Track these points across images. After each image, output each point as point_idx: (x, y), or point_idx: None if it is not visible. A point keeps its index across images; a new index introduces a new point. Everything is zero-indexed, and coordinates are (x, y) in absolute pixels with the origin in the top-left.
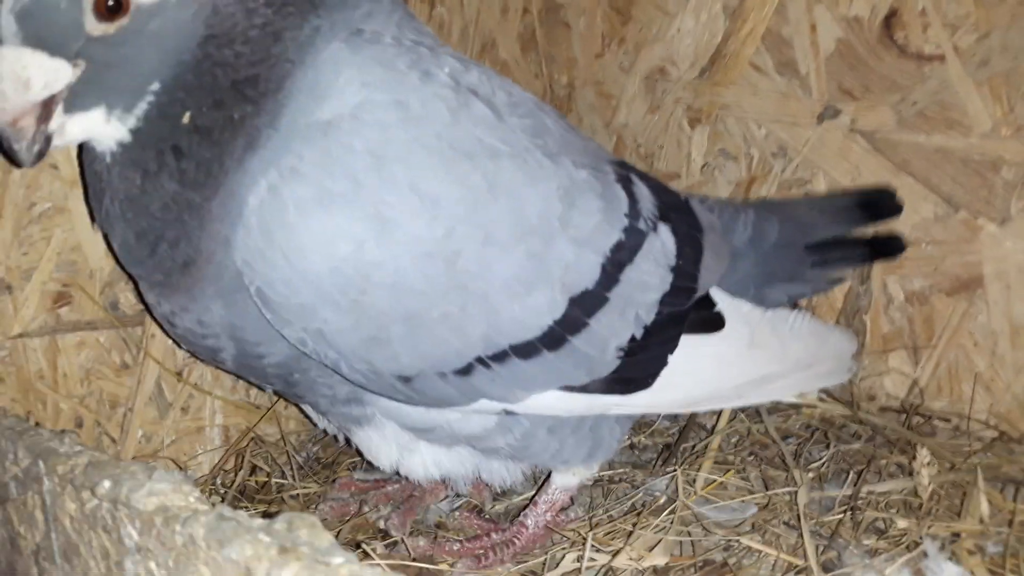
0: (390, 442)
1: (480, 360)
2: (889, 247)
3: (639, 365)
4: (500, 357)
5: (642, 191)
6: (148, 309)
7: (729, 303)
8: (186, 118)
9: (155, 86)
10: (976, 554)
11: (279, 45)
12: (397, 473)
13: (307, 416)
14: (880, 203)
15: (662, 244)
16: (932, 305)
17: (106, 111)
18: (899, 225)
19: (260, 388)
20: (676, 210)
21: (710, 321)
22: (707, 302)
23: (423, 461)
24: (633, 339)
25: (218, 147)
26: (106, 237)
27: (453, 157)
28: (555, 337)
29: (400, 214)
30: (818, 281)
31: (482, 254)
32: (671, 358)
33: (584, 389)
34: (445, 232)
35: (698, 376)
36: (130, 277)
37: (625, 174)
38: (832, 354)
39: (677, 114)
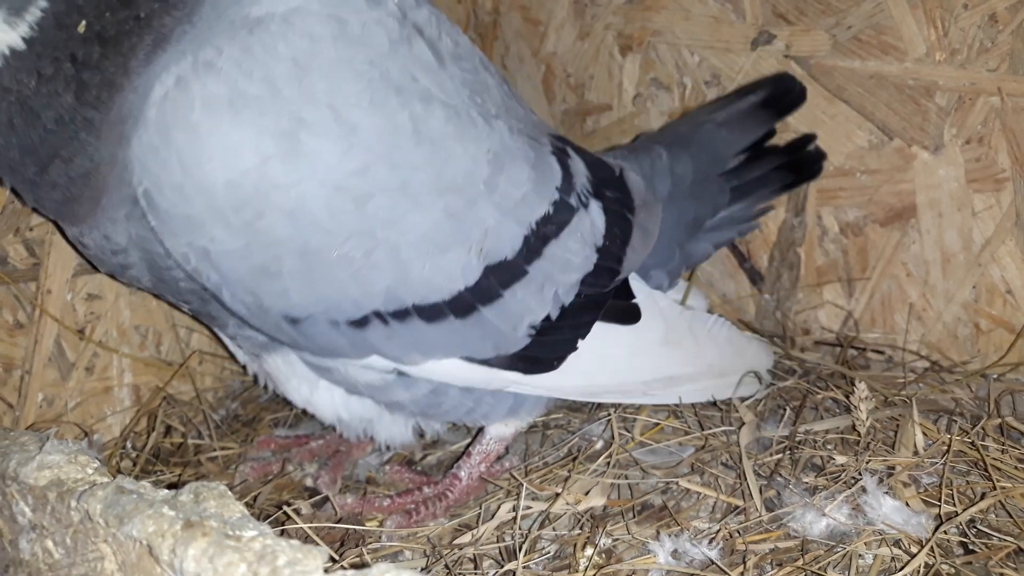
0: (299, 374)
1: (378, 315)
2: (807, 157)
3: (548, 346)
4: (401, 315)
5: (578, 166)
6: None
7: (647, 296)
8: (81, 27)
9: None
10: (911, 486)
11: None
12: (304, 412)
13: (230, 353)
14: (780, 91)
15: (591, 223)
16: (866, 236)
17: None
18: (834, 155)
19: (178, 308)
20: (610, 186)
21: (626, 312)
22: (626, 292)
23: (332, 400)
24: (548, 319)
25: (122, 56)
26: None
27: (382, 89)
28: (465, 304)
29: (314, 135)
30: (743, 217)
31: (396, 202)
32: (581, 343)
33: (486, 363)
34: (359, 167)
35: (606, 365)
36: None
37: (562, 147)
38: (747, 366)
39: (608, 41)
